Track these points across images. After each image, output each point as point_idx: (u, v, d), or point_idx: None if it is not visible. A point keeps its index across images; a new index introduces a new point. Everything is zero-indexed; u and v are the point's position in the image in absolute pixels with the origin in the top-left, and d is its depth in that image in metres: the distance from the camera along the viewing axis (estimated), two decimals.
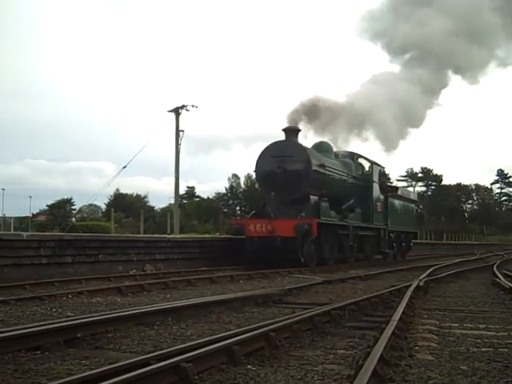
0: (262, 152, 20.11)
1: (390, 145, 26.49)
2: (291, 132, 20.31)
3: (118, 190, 79.85)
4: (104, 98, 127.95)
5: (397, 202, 28.08)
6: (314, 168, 19.66)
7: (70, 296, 9.62)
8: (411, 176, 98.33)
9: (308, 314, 7.17)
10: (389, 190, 26.82)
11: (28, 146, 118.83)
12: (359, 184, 23.76)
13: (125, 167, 33.16)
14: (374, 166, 24.89)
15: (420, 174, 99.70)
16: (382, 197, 25.37)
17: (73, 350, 5.73)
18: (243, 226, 19.32)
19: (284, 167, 19.41)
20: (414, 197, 33.61)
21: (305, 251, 18.38)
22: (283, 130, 20.39)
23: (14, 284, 11.19)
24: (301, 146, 20.04)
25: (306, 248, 18.44)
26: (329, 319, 7.47)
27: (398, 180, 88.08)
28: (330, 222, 19.83)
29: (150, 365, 4.47)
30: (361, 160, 24.94)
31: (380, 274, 17.10)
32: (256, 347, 5.63)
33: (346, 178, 22.56)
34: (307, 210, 19.38)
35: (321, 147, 22.31)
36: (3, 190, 73.58)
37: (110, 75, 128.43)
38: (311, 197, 19.80)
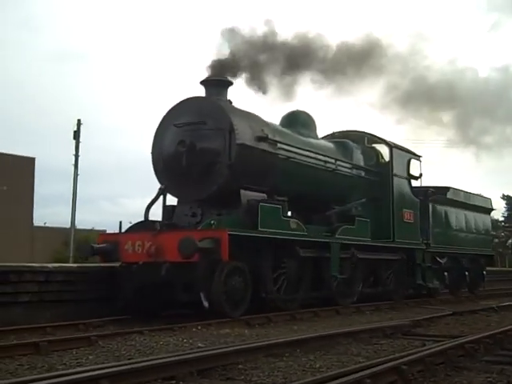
0: (162, 119, 12.19)
1: None
2: (213, 85, 12.21)
3: None
4: None
5: (451, 210, 19.14)
6: (246, 143, 11.48)
7: (199, 327, 9.70)
8: None
9: (441, 347, 7.12)
10: (431, 191, 18.14)
11: None
12: (369, 179, 15.53)
13: None
14: (397, 151, 16.22)
15: None
16: (415, 200, 16.72)
17: (206, 380, 6.04)
18: (116, 245, 11.13)
19: (191, 143, 11.35)
20: (486, 203, 22.97)
21: (214, 288, 10.24)
22: (202, 82, 12.33)
23: None
24: (220, 104, 11.80)
25: (217, 283, 10.25)
26: (463, 353, 7.24)
27: None
28: (270, 236, 11.31)
29: None
30: (375, 144, 16.53)
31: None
32: (388, 381, 5.72)
33: (333, 167, 14.13)
34: (236, 214, 11.35)
35: (293, 120, 14.21)
36: None
37: None
38: (244, 193, 11.51)
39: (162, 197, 11.57)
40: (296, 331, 9.73)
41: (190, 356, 6.28)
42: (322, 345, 7.87)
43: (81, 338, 8.18)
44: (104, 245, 11.20)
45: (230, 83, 12.40)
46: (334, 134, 16.35)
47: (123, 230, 11.74)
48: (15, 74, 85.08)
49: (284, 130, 13.28)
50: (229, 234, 10.13)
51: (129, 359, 6.69)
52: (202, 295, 10.19)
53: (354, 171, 15.10)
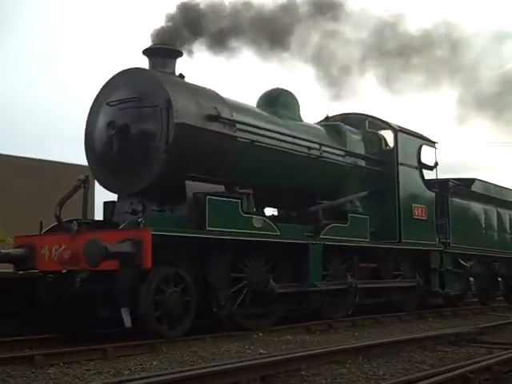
0: (95, 97, 9.99)
1: None
2: (157, 55, 9.98)
3: None
4: None
5: (477, 205, 16.53)
6: (188, 122, 9.21)
7: (260, 334, 9.53)
8: None
9: (509, 355, 6.92)
10: (452, 183, 15.83)
11: None
12: (370, 169, 13.10)
13: None
14: (403, 136, 13.65)
15: None
16: (429, 193, 14.16)
17: None
18: (32, 250, 9.04)
19: (124, 125, 9.23)
20: None
21: (141, 303, 8.14)
22: (144, 51, 10.06)
23: None
24: (155, 76, 9.57)
25: (144, 296, 8.16)
26: None
27: None
28: (217, 237, 9.03)
29: None
30: (379, 129, 13.93)
31: None
32: None
33: (318, 154, 11.70)
34: (180, 210, 9.28)
35: (271, 100, 11.92)
36: None
37: None
38: (190, 184, 9.29)
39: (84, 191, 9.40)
40: (357, 338, 9.73)
41: (253, 362, 6.31)
42: (385, 352, 7.75)
43: (144, 344, 8.00)
44: (17, 250, 9.11)
45: (179, 53, 10.17)
46: (328, 117, 13.92)
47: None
48: None
49: (250, 108, 11.05)
50: (153, 235, 7.96)
51: (192, 365, 6.77)
52: (122, 311, 8.04)
53: (348, 159, 12.63)
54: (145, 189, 9.26)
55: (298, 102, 12.35)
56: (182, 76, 10.12)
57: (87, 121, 9.91)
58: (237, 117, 10.19)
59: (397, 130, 13.51)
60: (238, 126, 10.12)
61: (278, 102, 11.99)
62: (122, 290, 8.02)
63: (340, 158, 12.40)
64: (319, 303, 11.02)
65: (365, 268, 12.34)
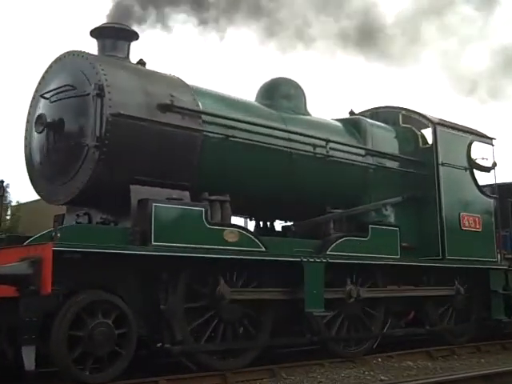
0: (35, 90, 8.31)
1: None
2: (106, 37, 8.20)
3: None
4: None
5: None
6: (126, 112, 7.37)
7: (379, 359, 9.21)
8: None
9: None
10: None
11: None
12: (402, 172, 10.80)
13: None
14: (445, 131, 11.22)
15: None
16: (486, 200, 11.67)
17: None
18: None
19: (59, 119, 7.59)
20: None
21: (52, 340, 6.35)
22: (92, 32, 8.26)
23: None
24: (89, 58, 7.73)
25: (57, 331, 6.37)
26: None
27: None
28: (159, 254, 7.08)
29: None
30: (414, 123, 11.45)
31: None
32: None
33: (325, 153, 9.51)
34: (127, 222, 7.38)
35: (271, 91, 9.95)
36: None
37: None
38: (137, 189, 7.42)
39: None
40: (483, 365, 9.29)
41: None
42: None
43: (264, 370, 7.91)
44: None
45: (133, 35, 8.40)
46: (352, 113, 11.57)
47: None
48: None
49: (225, 97, 9.04)
50: (54, 251, 6.12)
51: None
52: (23, 351, 6.26)
53: (371, 159, 10.34)
54: (79, 196, 7.45)
55: (303, 94, 10.24)
56: (141, 63, 8.39)
57: (27, 117, 8.33)
58: (205, 107, 8.30)
59: (435, 124, 11.05)
60: (206, 117, 8.21)
61: (278, 93, 9.93)
62: (24, 322, 6.26)
63: (359, 158, 10.13)
64: (324, 336, 8.87)
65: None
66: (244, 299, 7.96)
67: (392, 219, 10.48)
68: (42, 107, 7.86)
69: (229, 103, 8.85)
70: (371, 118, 11.39)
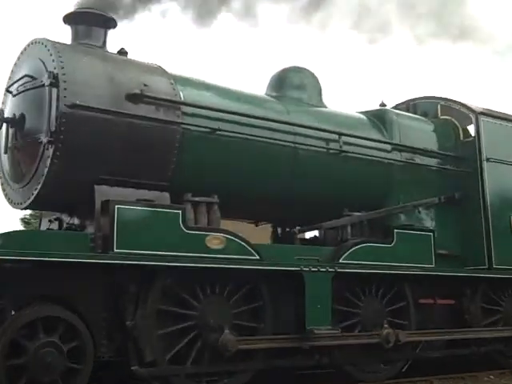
0: (7, 80, 7.46)
1: None
2: (81, 23, 7.30)
3: None
4: None
5: None
6: (83, 103, 6.45)
7: (491, 376, 8.73)
8: None
9: None
10: None
11: None
12: (436, 168, 9.54)
13: None
14: (490, 121, 9.82)
15: None
16: None
17: None
18: None
19: (20, 114, 6.84)
20: None
21: None
22: (64, 18, 7.38)
23: None
24: (48, 44, 6.80)
25: None
26: None
27: None
28: (114, 263, 6.13)
29: None
30: (454, 114, 10.05)
31: None
32: None
33: (338, 148, 8.38)
34: (89, 226, 6.67)
35: (279, 81, 8.92)
36: None
37: None
38: (102, 190, 6.52)
39: None
40: None
41: None
42: None
43: None
44: None
45: (111, 22, 7.48)
46: (383, 105, 10.11)
47: None
48: None
49: (215, 85, 8.02)
50: None
51: None
52: None
53: (398, 155, 9.06)
54: (39, 200, 6.63)
55: (317, 84, 9.10)
56: (122, 52, 7.55)
57: None
58: (188, 96, 7.35)
59: (478, 113, 9.64)
60: (187, 108, 7.26)
61: (287, 83, 8.85)
62: None
63: (382, 154, 8.90)
64: (339, 358, 7.69)
65: (429, 306, 8.77)
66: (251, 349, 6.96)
67: (428, 223, 9.17)
68: (8, 102, 7.16)
69: (218, 92, 7.83)
70: (407, 111, 10.19)
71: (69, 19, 7.41)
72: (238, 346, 6.64)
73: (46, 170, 6.43)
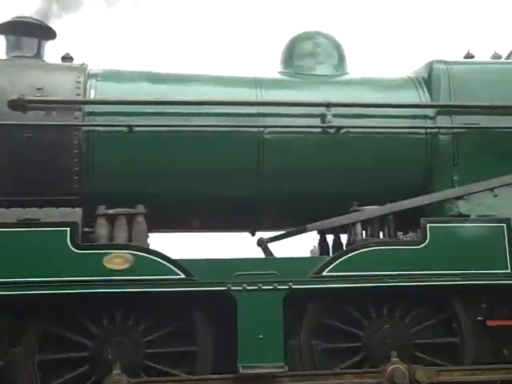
0: None
1: None
2: (12, 32, 6.59)
3: None
4: None
5: None
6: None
7: None
8: None
9: None
10: None
11: None
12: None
13: None
14: None
15: None
16: None
17: None
18: None
19: None
20: None
21: None
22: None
23: None
24: None
25: None
26: None
27: None
28: None
29: None
30: None
31: None
32: None
33: (328, 125, 6.27)
34: None
35: (290, 52, 7.12)
36: None
37: None
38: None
39: None
40: None
41: None
42: None
43: None
44: None
45: (47, 31, 6.77)
46: (497, 55, 7.51)
47: None
48: None
49: (156, 73, 6.59)
50: None
51: None
52: None
53: (447, 119, 6.45)
54: None
55: (335, 49, 7.07)
56: (67, 57, 6.70)
57: None
58: (104, 92, 6.19)
59: None
60: (93, 107, 6.10)
61: (296, 53, 7.08)
62: None
63: (417, 122, 6.47)
64: None
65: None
66: None
67: (507, 210, 6.37)
68: None
69: (154, 79, 6.50)
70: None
71: (1, 30, 6.94)
72: None
73: None
